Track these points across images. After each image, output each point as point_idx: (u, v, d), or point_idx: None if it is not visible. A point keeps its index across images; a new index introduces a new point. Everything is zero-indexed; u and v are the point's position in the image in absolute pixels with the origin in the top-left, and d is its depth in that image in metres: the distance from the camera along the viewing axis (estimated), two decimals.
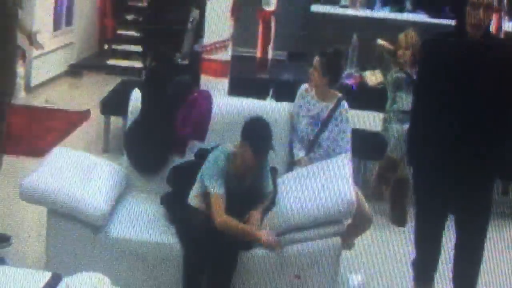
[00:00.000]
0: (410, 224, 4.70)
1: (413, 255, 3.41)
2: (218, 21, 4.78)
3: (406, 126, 4.80)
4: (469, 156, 3.08)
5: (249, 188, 3.44)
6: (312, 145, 3.87)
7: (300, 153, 3.86)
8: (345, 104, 3.91)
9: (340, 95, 3.96)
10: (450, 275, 3.32)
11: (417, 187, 3.31)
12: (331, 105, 3.89)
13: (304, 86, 3.97)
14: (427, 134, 3.15)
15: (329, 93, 3.93)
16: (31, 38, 4.08)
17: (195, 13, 6.59)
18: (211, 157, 3.41)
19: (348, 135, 3.88)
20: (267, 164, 3.50)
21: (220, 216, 3.29)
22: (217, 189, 3.31)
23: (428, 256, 3.29)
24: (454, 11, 3.22)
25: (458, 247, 3.25)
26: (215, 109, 3.90)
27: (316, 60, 3.88)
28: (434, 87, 3.11)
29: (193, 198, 3.45)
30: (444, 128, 3.09)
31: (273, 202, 3.50)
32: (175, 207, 3.50)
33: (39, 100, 6.75)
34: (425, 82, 3.19)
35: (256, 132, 3.39)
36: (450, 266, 3.33)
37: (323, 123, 3.86)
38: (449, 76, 3.05)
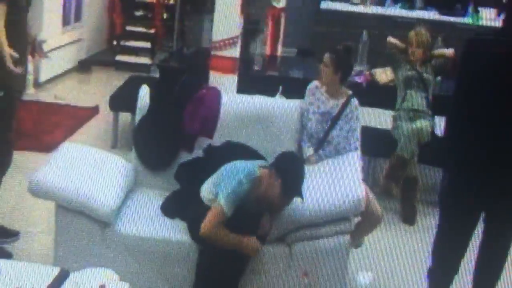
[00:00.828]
0: (419, 223, 4.72)
1: (429, 263, 3.33)
2: (227, 18, 4.77)
3: (416, 124, 4.82)
4: (505, 163, 2.99)
5: (262, 213, 3.30)
6: (321, 142, 3.86)
7: (309, 151, 3.84)
8: (355, 101, 3.89)
9: (350, 92, 3.94)
10: None
11: (450, 191, 3.18)
12: (342, 102, 3.87)
13: (314, 83, 3.96)
14: (466, 137, 3.05)
15: (340, 90, 3.91)
16: (35, 45, 4.08)
17: None
18: (237, 174, 3.21)
19: (358, 133, 3.86)
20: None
21: (211, 228, 3.16)
22: (226, 209, 3.17)
23: (447, 271, 3.21)
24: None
25: (485, 244, 3.19)
26: (223, 105, 3.89)
27: (326, 57, 3.87)
28: (477, 89, 3.01)
29: (207, 200, 3.36)
30: (485, 135, 3.00)
31: None
32: (184, 204, 3.48)
33: (48, 96, 6.76)
34: (468, 83, 3.06)
35: (293, 171, 3.22)
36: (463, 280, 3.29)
37: (333, 120, 3.85)
38: (494, 79, 2.96)
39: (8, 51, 3.49)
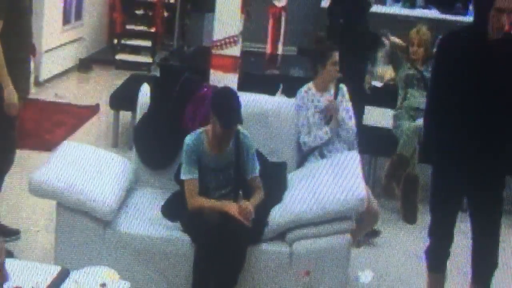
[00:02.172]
0: (420, 221, 4.71)
1: (427, 245, 3.41)
2: (228, 17, 4.77)
3: (417, 123, 4.81)
4: (483, 152, 3.13)
5: (228, 164, 3.45)
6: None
7: (306, 137, 3.85)
8: (343, 86, 3.98)
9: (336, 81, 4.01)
10: (461, 267, 3.36)
11: (434, 178, 3.34)
12: (332, 92, 3.95)
13: (303, 88, 3.97)
14: (445, 130, 3.19)
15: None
16: None
17: None
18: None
19: (351, 111, 3.95)
20: (249, 144, 3.49)
21: (191, 203, 3.37)
22: (185, 175, 3.40)
23: (442, 242, 3.35)
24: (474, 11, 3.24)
25: (475, 229, 3.31)
26: None
27: (335, 57, 3.91)
28: (450, 85, 3.15)
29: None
30: (460, 126, 3.14)
31: (278, 199, 3.49)
32: (184, 206, 3.47)
33: (48, 95, 6.75)
34: (441, 79, 3.23)
35: (222, 103, 3.41)
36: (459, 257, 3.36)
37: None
38: (466, 74, 3.09)
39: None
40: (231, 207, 3.34)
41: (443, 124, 3.19)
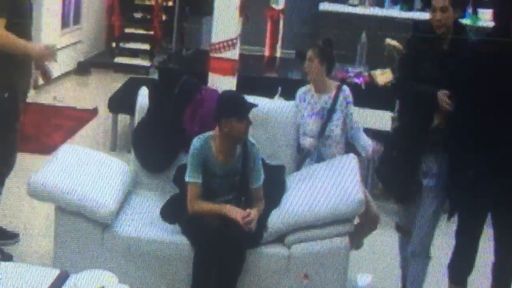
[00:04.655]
0: None
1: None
2: (226, 20, 4.77)
3: None
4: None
5: (234, 171, 3.45)
6: (319, 137, 3.86)
7: (301, 139, 3.85)
8: (346, 88, 3.90)
9: (339, 83, 3.97)
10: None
11: (459, 191, 3.29)
12: (333, 94, 3.88)
13: (302, 89, 3.97)
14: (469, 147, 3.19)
15: (328, 84, 3.92)
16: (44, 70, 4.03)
17: None
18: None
19: (354, 117, 3.89)
20: (256, 154, 3.49)
21: (192, 206, 3.38)
22: (189, 178, 3.40)
23: (466, 256, 3.32)
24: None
25: (499, 246, 3.30)
26: None
27: (309, 53, 3.89)
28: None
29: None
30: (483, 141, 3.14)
31: (277, 202, 3.49)
32: (183, 208, 3.47)
33: (47, 98, 6.75)
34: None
35: (229, 100, 3.47)
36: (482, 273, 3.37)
37: (329, 113, 3.85)
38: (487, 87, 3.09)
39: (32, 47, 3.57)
40: (232, 211, 3.34)
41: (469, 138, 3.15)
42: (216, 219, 3.32)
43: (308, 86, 3.97)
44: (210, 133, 3.48)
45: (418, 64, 3.24)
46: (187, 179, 3.42)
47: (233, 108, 3.38)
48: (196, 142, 3.46)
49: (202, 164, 3.40)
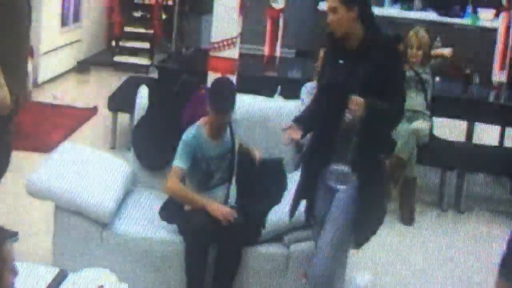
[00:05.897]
0: (418, 223, 4.72)
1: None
2: (226, 19, 4.77)
3: (414, 125, 4.82)
4: None
5: (227, 150, 3.48)
6: None
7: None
8: None
9: None
10: None
11: None
12: None
13: (309, 84, 3.96)
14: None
15: None
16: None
17: None
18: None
19: None
20: (238, 128, 3.52)
21: (172, 186, 3.39)
22: (178, 162, 3.40)
23: None
24: None
25: None
26: None
27: (321, 53, 3.89)
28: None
29: None
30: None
31: (276, 199, 3.49)
32: (182, 208, 3.47)
33: (46, 97, 6.76)
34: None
35: (215, 90, 3.49)
36: None
37: None
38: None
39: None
40: (215, 209, 3.32)
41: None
42: (203, 215, 3.30)
43: (315, 82, 3.97)
44: (197, 123, 3.50)
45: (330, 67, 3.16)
46: (174, 163, 3.41)
47: (212, 99, 3.42)
48: (189, 131, 3.47)
49: (194, 152, 3.41)
